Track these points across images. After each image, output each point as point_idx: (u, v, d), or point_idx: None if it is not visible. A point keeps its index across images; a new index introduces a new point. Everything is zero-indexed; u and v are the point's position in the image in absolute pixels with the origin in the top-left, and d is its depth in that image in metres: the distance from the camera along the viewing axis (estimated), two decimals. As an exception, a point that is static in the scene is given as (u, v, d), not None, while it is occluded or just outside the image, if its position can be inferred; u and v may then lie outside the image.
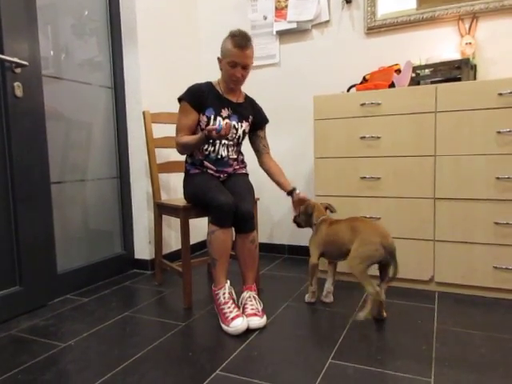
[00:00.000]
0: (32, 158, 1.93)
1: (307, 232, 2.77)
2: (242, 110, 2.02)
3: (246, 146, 2.15)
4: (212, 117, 1.94)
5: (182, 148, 1.97)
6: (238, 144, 2.06)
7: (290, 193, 2.02)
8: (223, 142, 1.97)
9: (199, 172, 2.01)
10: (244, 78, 1.94)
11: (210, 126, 1.74)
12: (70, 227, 2.24)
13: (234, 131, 1.99)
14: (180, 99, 1.98)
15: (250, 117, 2.07)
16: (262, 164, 2.14)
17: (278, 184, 2.07)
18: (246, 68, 1.91)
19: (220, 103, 1.97)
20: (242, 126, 2.02)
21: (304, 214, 1.98)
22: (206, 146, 1.96)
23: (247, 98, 2.10)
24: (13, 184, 1.86)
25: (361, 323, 1.70)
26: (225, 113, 1.97)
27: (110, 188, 2.49)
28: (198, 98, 1.94)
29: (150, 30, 2.53)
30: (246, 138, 2.11)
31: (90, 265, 2.31)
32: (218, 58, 1.95)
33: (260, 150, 2.14)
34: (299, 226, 2.04)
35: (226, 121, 1.93)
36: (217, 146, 1.97)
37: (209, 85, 2.00)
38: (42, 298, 2.00)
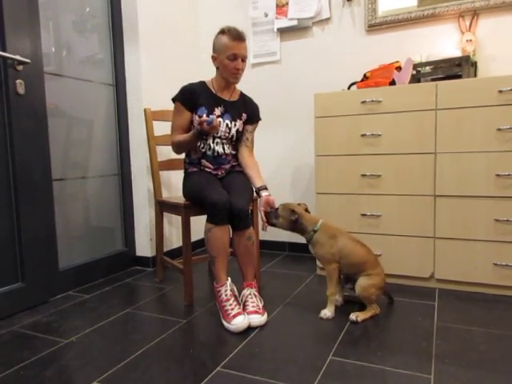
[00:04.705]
0: (34, 155, 1.93)
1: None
2: (234, 108, 2.01)
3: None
4: (204, 116, 1.92)
5: (176, 147, 1.98)
6: (233, 142, 2.04)
7: (258, 191, 1.91)
8: (217, 139, 1.97)
9: (197, 170, 2.01)
10: (243, 71, 1.95)
11: (202, 118, 1.74)
12: (72, 224, 2.25)
13: (227, 130, 1.98)
14: (173, 100, 2.00)
15: (244, 114, 2.04)
16: (239, 154, 2.06)
17: (250, 178, 1.98)
18: (244, 60, 1.92)
19: (213, 102, 1.97)
20: (235, 125, 2.00)
21: (285, 219, 1.81)
22: (202, 145, 1.97)
23: (242, 95, 2.08)
24: (14, 181, 1.86)
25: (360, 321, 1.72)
26: (218, 111, 1.97)
27: (111, 185, 2.49)
28: (190, 97, 1.94)
29: (151, 28, 2.53)
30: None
31: (92, 261, 2.32)
32: (213, 57, 1.94)
33: (241, 141, 2.06)
34: (274, 226, 1.86)
35: (214, 116, 1.85)
36: (212, 145, 1.97)
37: (201, 84, 2.00)
38: (44, 294, 2.01)
